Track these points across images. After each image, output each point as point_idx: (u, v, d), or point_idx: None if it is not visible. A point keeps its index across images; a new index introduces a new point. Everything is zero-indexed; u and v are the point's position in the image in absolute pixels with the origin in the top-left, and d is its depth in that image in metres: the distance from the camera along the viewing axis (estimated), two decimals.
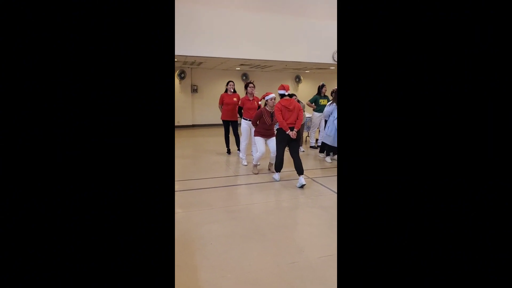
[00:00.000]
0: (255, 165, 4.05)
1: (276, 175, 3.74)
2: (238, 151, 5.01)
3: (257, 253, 2.02)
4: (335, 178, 3.87)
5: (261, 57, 6.07)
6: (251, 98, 4.39)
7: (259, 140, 3.83)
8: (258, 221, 2.53)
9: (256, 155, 3.93)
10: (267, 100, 3.68)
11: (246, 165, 4.34)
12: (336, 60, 6.54)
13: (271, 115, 3.71)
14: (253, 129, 4.30)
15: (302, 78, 9.59)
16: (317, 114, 5.44)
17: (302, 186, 3.40)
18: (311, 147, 5.88)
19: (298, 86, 9.52)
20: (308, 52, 6.33)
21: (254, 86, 4.39)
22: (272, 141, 3.84)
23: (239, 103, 4.52)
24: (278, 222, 2.53)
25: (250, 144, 4.53)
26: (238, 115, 4.69)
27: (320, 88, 5.50)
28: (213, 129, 8.16)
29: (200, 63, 7.17)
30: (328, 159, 4.79)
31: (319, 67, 7.71)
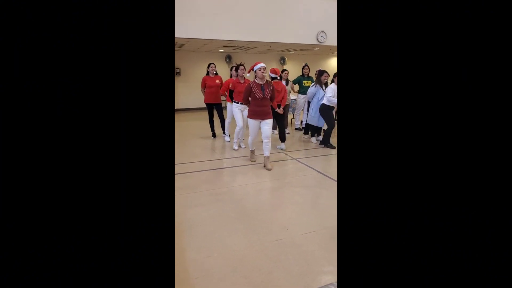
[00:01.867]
0: (252, 152, 3.74)
1: (282, 145, 4.31)
2: (223, 134, 5.00)
3: (242, 233, 2.08)
4: (319, 159, 3.96)
5: (244, 38, 5.94)
6: (242, 81, 4.20)
7: (251, 123, 3.42)
8: (243, 203, 2.58)
9: (249, 140, 3.61)
10: (255, 71, 3.28)
11: (236, 150, 4.25)
12: (320, 41, 6.49)
13: (262, 87, 3.24)
14: (246, 111, 4.05)
15: (287, 59, 9.50)
16: (301, 96, 5.45)
17: (282, 150, 4.23)
18: (296, 128, 5.94)
19: (283, 67, 9.45)
20: (292, 33, 6.24)
21: (245, 68, 4.19)
22: (267, 125, 3.38)
23: (230, 86, 4.30)
24: (262, 203, 2.59)
25: (245, 129, 4.33)
26: (230, 99, 4.43)
27: (302, 68, 5.47)
28: (198, 113, 8.06)
29: (182, 44, 6.95)
30: (313, 139, 4.86)
31: (304, 48, 7.65)
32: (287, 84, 5.17)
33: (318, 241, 1.97)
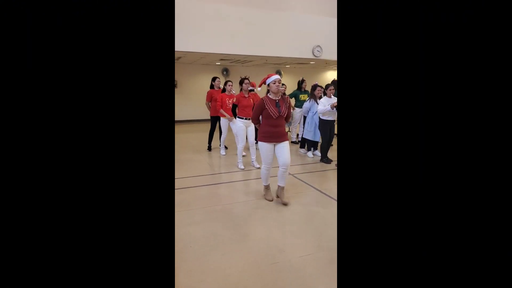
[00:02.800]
0: (266, 187, 2.96)
1: (309, 153, 4.54)
2: (220, 147, 4.95)
3: (237, 254, 1.99)
4: (316, 174, 3.91)
5: (241, 52, 5.98)
6: (246, 95, 3.95)
7: (264, 148, 2.70)
8: (238, 221, 2.50)
9: (262, 171, 2.85)
10: (268, 85, 2.69)
11: (243, 168, 4.00)
12: (316, 55, 6.56)
13: (277, 104, 2.65)
14: (250, 127, 3.96)
15: (283, 73, 9.57)
16: (298, 109, 5.46)
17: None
18: (292, 142, 5.91)
19: None
20: (288, 47, 6.31)
21: (249, 82, 4.02)
22: (284, 149, 2.68)
23: (234, 100, 4.10)
24: (258, 221, 2.51)
25: (245, 146, 4.37)
26: (233, 114, 4.25)
27: (300, 83, 5.51)
28: (194, 125, 8.01)
29: (179, 57, 6.97)
30: (309, 154, 4.83)
31: (300, 62, 7.72)
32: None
33: (316, 265, 1.89)
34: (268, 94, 2.72)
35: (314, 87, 4.60)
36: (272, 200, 2.89)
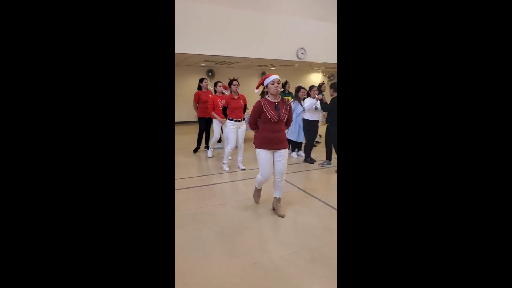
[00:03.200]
0: (258, 191, 2.84)
1: (294, 154, 4.58)
2: (206, 149, 4.92)
3: (220, 256, 2.00)
4: (299, 174, 3.96)
5: (226, 53, 5.98)
6: (236, 97, 3.88)
7: (263, 155, 2.49)
8: (222, 223, 2.50)
9: (258, 178, 2.66)
10: (266, 86, 2.46)
11: (228, 170, 3.98)
12: (300, 57, 6.65)
13: (276, 107, 2.43)
14: (241, 129, 3.92)
15: None
16: None
17: None
18: None
19: None
20: (273, 49, 6.36)
21: (238, 84, 3.95)
22: (282, 157, 2.52)
23: (223, 102, 4.02)
24: (242, 222, 2.52)
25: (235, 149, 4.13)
26: (224, 116, 4.12)
27: (284, 85, 5.57)
28: (180, 127, 7.93)
29: None
30: (294, 154, 4.89)
31: (284, 64, 7.80)
32: None
33: (299, 264, 1.92)
34: (267, 96, 2.49)
35: (298, 89, 4.67)
36: (258, 203, 2.88)
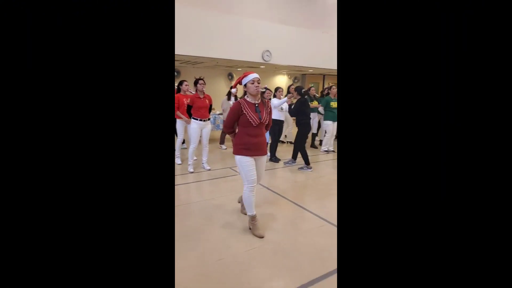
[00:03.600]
0: (253, 218, 2.35)
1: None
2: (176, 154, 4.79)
3: (184, 254, 1.99)
4: (265, 173, 4.04)
5: (191, 53, 5.91)
6: (201, 96, 3.80)
7: (244, 162, 2.18)
8: (186, 222, 2.49)
9: (245, 194, 2.27)
10: (245, 85, 2.18)
11: (192, 172, 3.89)
12: (266, 59, 6.79)
13: (257, 109, 2.17)
14: (206, 129, 3.83)
15: (234, 75, 9.68)
16: None
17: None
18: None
19: (231, 83, 9.59)
20: (238, 50, 6.42)
21: (204, 83, 3.87)
22: (262, 165, 2.32)
23: (188, 101, 3.91)
24: (207, 220, 2.53)
25: (199, 149, 3.99)
26: (188, 115, 4.02)
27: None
28: None
29: None
30: None
31: (250, 66, 7.90)
32: (236, 100, 5.29)
33: (261, 257, 1.98)
34: (246, 97, 2.22)
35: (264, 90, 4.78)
36: (262, 237, 2.25)
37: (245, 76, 2.19)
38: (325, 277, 1.79)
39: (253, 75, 2.16)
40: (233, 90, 2.63)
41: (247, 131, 2.18)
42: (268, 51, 6.81)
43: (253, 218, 2.32)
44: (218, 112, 6.15)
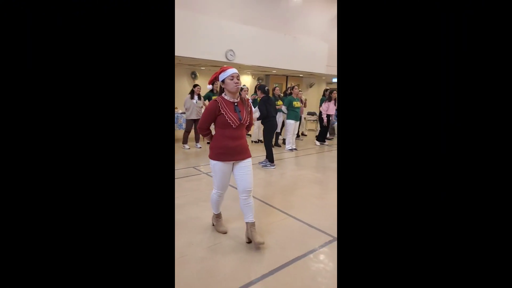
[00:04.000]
0: (217, 216, 2.28)
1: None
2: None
3: None
4: None
5: None
6: None
7: (219, 168, 1.97)
8: None
9: (213, 197, 2.16)
10: (223, 81, 1.94)
11: None
12: (229, 59, 6.80)
13: (236, 108, 1.94)
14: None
15: (198, 74, 9.54)
16: None
17: None
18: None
19: (194, 82, 9.43)
20: (202, 49, 6.34)
21: None
22: (245, 169, 2.01)
23: None
24: None
25: None
26: None
27: (213, 84, 5.63)
28: None
29: None
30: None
31: (214, 65, 7.85)
32: (199, 99, 5.24)
33: (222, 252, 1.99)
34: (223, 95, 1.97)
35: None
36: (226, 233, 2.22)
37: (222, 71, 1.94)
38: (285, 265, 1.85)
39: (232, 70, 1.92)
40: (208, 86, 2.36)
41: (226, 133, 1.93)
42: (231, 50, 6.83)
43: (217, 216, 2.31)
44: (180, 111, 6.04)
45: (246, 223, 2.08)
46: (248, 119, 1.99)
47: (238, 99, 1.99)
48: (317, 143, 6.39)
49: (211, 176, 3.69)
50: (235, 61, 6.95)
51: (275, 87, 6.08)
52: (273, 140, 5.96)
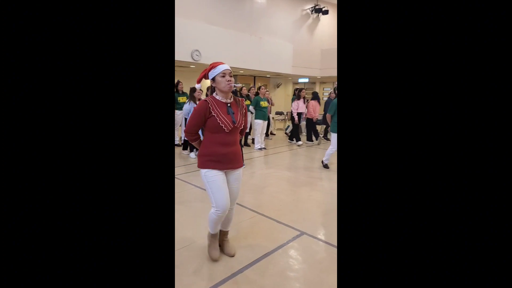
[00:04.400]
0: (213, 236, 1.95)
1: (192, 154, 4.22)
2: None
3: None
4: (197, 173, 4.01)
5: None
6: None
7: (214, 177, 1.71)
8: None
9: (211, 216, 1.79)
10: (213, 79, 1.70)
11: None
12: (195, 59, 6.70)
13: (229, 109, 1.70)
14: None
15: None
16: (178, 111, 5.45)
17: None
18: (175, 145, 5.84)
19: None
20: None
21: None
22: (237, 181, 1.83)
23: None
24: None
25: None
26: None
27: (176, 85, 5.54)
28: None
29: None
30: (192, 154, 4.89)
31: (180, 65, 7.69)
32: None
33: (190, 253, 1.97)
34: (214, 94, 1.73)
35: (193, 89, 4.71)
36: (216, 260, 1.88)
37: (212, 67, 1.70)
38: (255, 262, 1.89)
39: (224, 67, 1.67)
40: (197, 86, 1.99)
41: (218, 138, 1.69)
42: (197, 50, 6.74)
43: (213, 236, 1.94)
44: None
45: (220, 230, 1.98)
46: (242, 122, 1.75)
47: (232, 100, 1.75)
48: (299, 142, 6.42)
49: (180, 179, 3.67)
50: (201, 61, 6.87)
51: (242, 86, 6.12)
52: (242, 139, 5.99)
